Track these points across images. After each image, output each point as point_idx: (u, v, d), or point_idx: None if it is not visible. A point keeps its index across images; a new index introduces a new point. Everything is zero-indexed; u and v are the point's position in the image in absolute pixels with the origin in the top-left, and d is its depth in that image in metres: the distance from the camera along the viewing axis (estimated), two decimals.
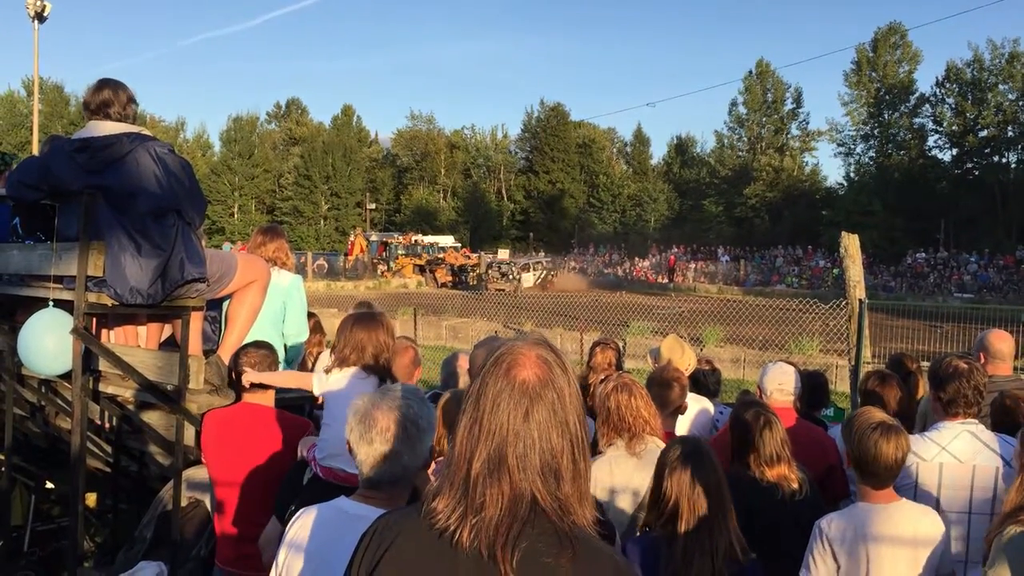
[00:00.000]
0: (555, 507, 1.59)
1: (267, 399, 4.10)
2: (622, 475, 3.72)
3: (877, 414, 3.31)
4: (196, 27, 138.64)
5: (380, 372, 3.65)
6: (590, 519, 1.65)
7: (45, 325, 4.14)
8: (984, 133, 60.71)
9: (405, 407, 2.37)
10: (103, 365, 4.45)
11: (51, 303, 4.21)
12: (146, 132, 4.23)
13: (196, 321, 4.52)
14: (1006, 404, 4.34)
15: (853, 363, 11.00)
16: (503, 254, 56.91)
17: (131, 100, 4.25)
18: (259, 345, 4.21)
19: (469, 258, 53.53)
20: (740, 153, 72.77)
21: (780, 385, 4.58)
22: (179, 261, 4.09)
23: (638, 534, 3.41)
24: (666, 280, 54.39)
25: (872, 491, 3.19)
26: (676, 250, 61.10)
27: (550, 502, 1.59)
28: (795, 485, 3.65)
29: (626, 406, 3.79)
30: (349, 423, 2.37)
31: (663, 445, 3.68)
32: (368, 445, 2.31)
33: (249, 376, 4.03)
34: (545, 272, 47.46)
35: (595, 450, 3.85)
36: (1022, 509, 2.83)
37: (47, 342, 4.13)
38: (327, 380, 3.71)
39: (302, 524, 2.42)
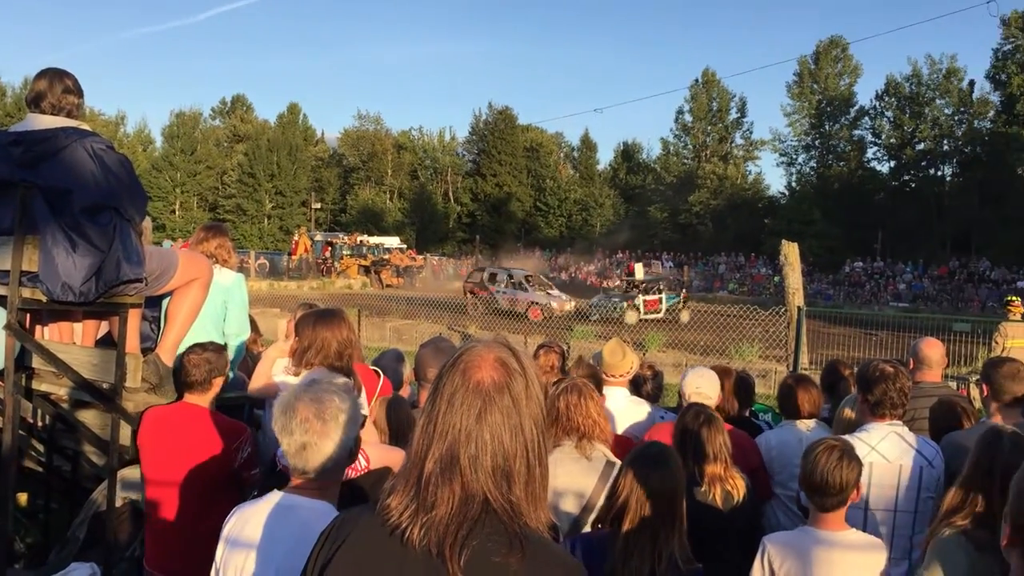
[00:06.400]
0: (506, 509, 1.60)
1: (206, 400, 4.06)
2: (567, 476, 3.65)
3: (835, 438, 3.32)
4: (140, 20, 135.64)
5: (345, 371, 3.64)
6: (544, 522, 1.66)
7: None
8: (921, 146, 62.62)
9: (327, 399, 2.38)
10: (37, 362, 4.36)
11: None
12: (85, 127, 4.13)
13: (134, 318, 4.44)
14: (946, 408, 4.51)
15: (791, 368, 11.23)
16: (639, 272, 36.09)
17: (68, 91, 4.11)
18: (205, 347, 4.16)
19: (415, 259, 53.32)
20: (685, 160, 73.82)
21: (698, 388, 4.62)
22: (115, 260, 3.99)
23: (587, 530, 3.42)
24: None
25: (819, 514, 3.17)
26: (621, 255, 61.58)
27: (501, 503, 1.60)
28: (729, 487, 3.71)
29: (575, 407, 3.73)
30: (274, 414, 2.39)
31: (609, 452, 3.72)
32: (289, 436, 2.33)
33: None
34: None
35: None
36: (956, 511, 2.91)
37: None
38: (290, 382, 3.69)
39: (238, 519, 2.44)
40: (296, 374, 3.72)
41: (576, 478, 3.66)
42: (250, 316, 5.55)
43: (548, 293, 32.27)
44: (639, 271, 35.56)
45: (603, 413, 3.84)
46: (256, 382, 4.10)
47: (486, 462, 1.61)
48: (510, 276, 32.82)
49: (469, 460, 1.60)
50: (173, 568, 3.80)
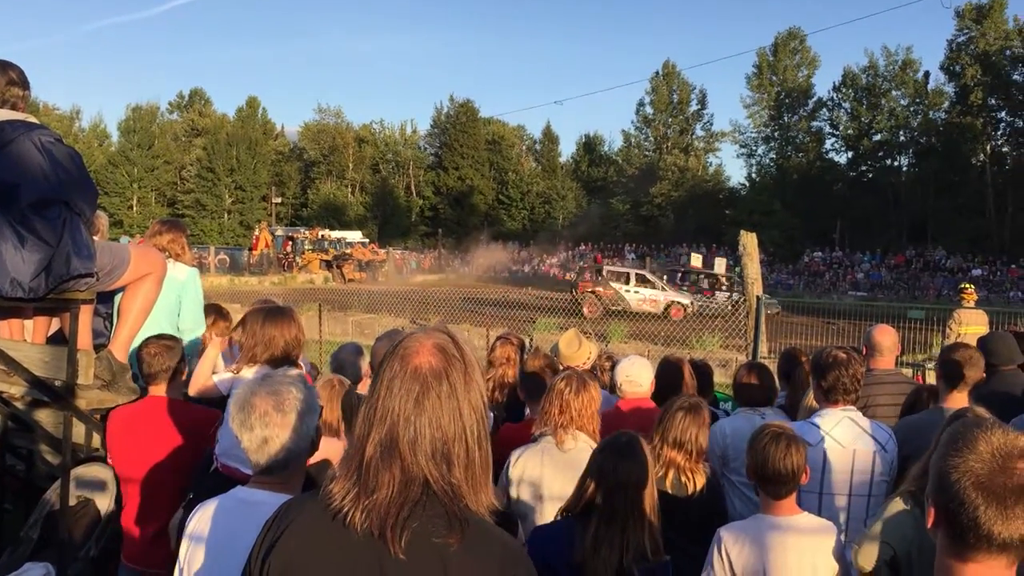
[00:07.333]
0: (446, 491, 1.63)
1: (173, 390, 4.02)
2: (552, 467, 3.64)
3: (776, 425, 3.34)
4: (96, 13, 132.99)
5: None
6: (486, 505, 1.69)
7: None
8: (878, 137, 63.47)
9: (284, 391, 2.38)
10: None
11: None
12: (32, 120, 4.04)
13: (85, 314, 4.37)
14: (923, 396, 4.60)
15: (750, 358, 11.33)
16: (696, 260, 36.78)
17: (13, 83, 4.02)
18: (161, 337, 4.13)
19: (377, 254, 53.07)
20: (647, 152, 74.13)
21: (628, 376, 4.66)
22: (65, 255, 3.91)
23: (557, 518, 3.41)
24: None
25: (772, 501, 3.18)
26: (584, 248, 61.77)
27: (442, 485, 1.63)
28: (684, 479, 3.72)
29: (553, 397, 3.71)
30: (231, 411, 2.37)
31: (594, 444, 3.70)
32: (249, 431, 2.32)
33: None
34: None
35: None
36: (917, 478, 2.97)
37: None
38: (232, 380, 3.65)
39: (202, 516, 2.41)
40: (236, 371, 3.68)
41: (556, 472, 3.63)
42: (223, 308, 5.52)
43: (680, 291, 31.45)
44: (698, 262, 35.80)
45: (593, 410, 3.75)
46: (196, 381, 4.05)
47: (425, 446, 1.63)
48: (638, 275, 31.20)
49: (408, 444, 1.63)
50: (154, 561, 3.79)
